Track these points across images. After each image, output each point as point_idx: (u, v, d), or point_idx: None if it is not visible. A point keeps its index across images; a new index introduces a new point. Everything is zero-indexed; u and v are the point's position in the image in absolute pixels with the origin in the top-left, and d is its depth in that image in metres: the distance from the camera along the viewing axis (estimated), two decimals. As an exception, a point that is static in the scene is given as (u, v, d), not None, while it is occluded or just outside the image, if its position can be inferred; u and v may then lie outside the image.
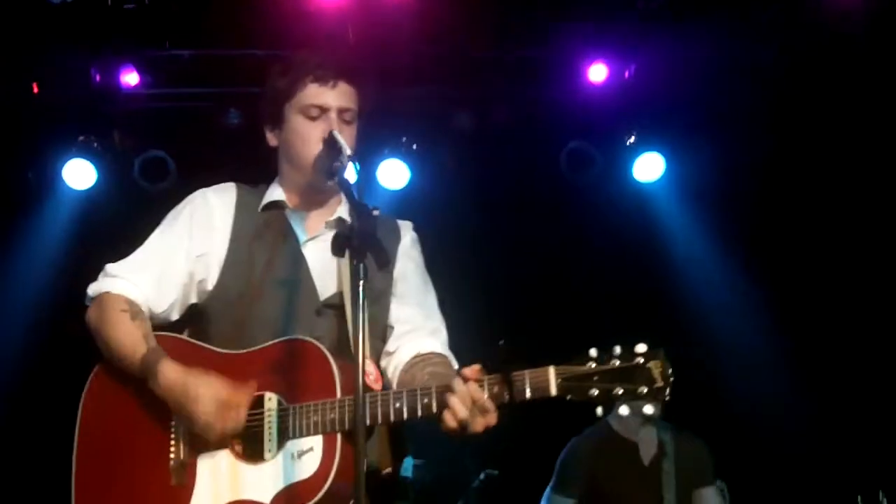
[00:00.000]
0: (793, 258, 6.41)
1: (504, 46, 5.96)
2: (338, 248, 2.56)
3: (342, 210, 3.07)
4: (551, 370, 2.60)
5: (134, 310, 2.92)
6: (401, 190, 6.28)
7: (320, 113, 3.02)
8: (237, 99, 6.04)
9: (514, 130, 6.24)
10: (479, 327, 6.39)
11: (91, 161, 6.05)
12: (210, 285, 3.01)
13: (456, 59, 5.95)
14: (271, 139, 3.15)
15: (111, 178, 6.16)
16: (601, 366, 2.58)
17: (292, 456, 2.70)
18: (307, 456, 2.69)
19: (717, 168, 6.27)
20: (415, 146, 6.20)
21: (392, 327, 3.06)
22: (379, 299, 3.01)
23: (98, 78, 5.90)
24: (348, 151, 2.84)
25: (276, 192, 3.13)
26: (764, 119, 6.14)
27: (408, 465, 5.37)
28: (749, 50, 5.83)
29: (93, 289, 3.00)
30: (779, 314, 6.33)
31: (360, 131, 3.12)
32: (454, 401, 2.61)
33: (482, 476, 5.60)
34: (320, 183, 2.97)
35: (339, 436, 2.68)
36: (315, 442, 2.69)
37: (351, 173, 2.80)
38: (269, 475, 2.71)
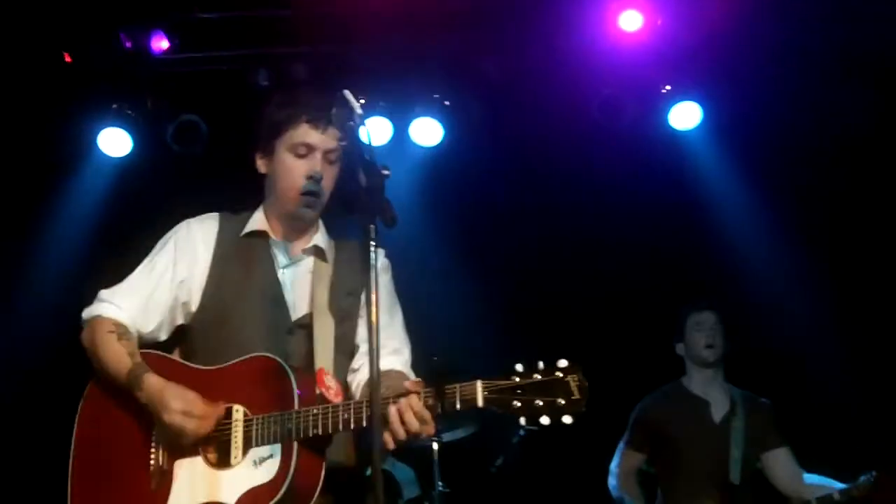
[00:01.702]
0: (834, 209, 6.32)
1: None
2: (349, 207, 2.72)
3: (318, 238, 3.37)
4: (479, 384, 2.81)
5: (121, 331, 3.21)
6: (435, 147, 6.26)
7: (307, 151, 3.26)
8: (267, 60, 6.04)
9: (546, 80, 6.17)
10: (516, 278, 6.50)
11: (125, 128, 6.08)
12: (193, 307, 3.30)
13: (484, 9, 5.89)
14: (261, 166, 3.38)
15: (146, 144, 6.19)
16: (524, 379, 2.78)
17: (255, 462, 2.99)
18: (267, 462, 2.97)
19: (756, 116, 6.17)
20: (447, 102, 6.17)
21: (358, 346, 3.31)
22: (349, 318, 3.29)
23: (129, 44, 5.90)
24: (359, 110, 2.89)
25: (258, 221, 3.38)
26: (805, 66, 6.01)
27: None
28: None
29: (86, 313, 3.31)
30: (821, 266, 6.25)
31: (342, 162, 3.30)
32: (393, 414, 2.85)
33: (521, 431, 5.61)
34: (298, 212, 3.27)
35: (295, 444, 2.94)
36: (275, 449, 2.97)
37: (364, 134, 2.86)
38: (236, 479, 2.99)
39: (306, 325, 3.23)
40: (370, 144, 2.80)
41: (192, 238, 3.34)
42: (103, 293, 3.30)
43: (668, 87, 6.12)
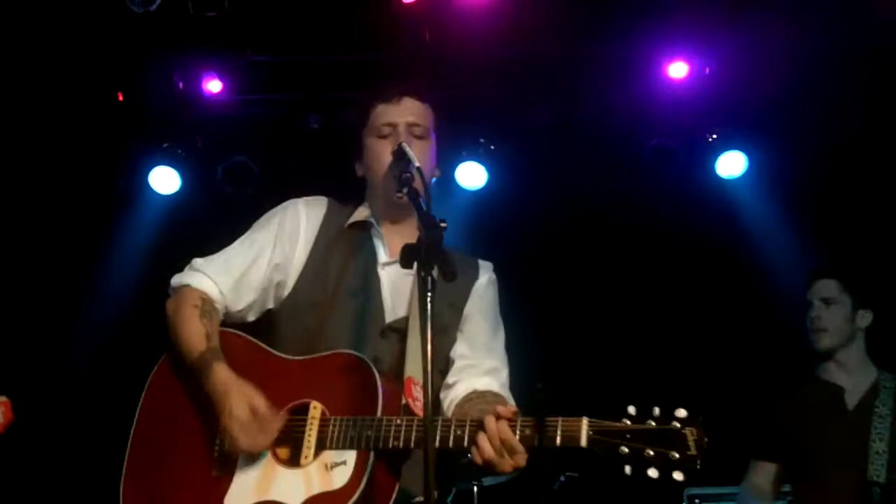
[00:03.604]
0: (879, 258, 6.25)
1: (582, 44, 5.93)
2: (406, 259, 2.61)
3: None
4: (584, 422, 2.58)
5: (206, 307, 3.03)
6: (479, 190, 6.30)
7: (390, 131, 3.12)
8: (317, 104, 6.12)
9: (594, 129, 6.20)
10: (556, 324, 6.48)
11: (175, 167, 6.18)
12: (286, 293, 3.12)
13: (534, 59, 5.93)
14: (358, 169, 3.25)
15: (195, 183, 6.29)
16: (636, 424, 2.54)
17: (326, 466, 2.76)
18: (339, 469, 2.74)
19: (801, 165, 6.15)
20: (492, 147, 6.21)
21: (453, 361, 3.13)
22: (446, 332, 3.10)
23: (181, 85, 6.01)
24: (416, 163, 2.88)
25: (363, 213, 3.21)
26: (848, 116, 6.00)
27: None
28: (833, 45, 5.70)
29: (176, 279, 3.13)
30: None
31: (439, 144, 3.20)
32: (482, 438, 2.65)
33: (562, 478, 5.56)
34: (393, 196, 3.00)
35: (371, 454, 2.73)
36: (349, 456, 2.75)
37: (419, 183, 2.83)
38: (301, 481, 2.77)
39: (400, 329, 3.04)
40: (429, 195, 2.76)
41: (297, 220, 3.17)
42: (197, 262, 3.12)
43: (714, 136, 6.12)
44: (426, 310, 2.50)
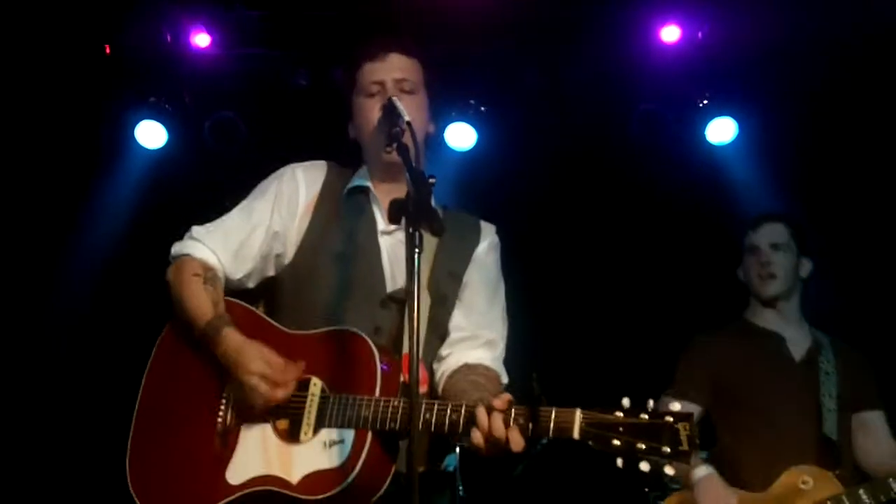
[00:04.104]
0: (871, 224, 6.25)
1: (575, 6, 5.88)
2: (394, 215, 2.58)
3: None
4: (578, 413, 2.57)
5: (208, 275, 3.02)
6: (468, 151, 6.26)
7: (379, 88, 3.08)
8: (306, 60, 6.05)
9: (584, 92, 6.17)
10: (545, 288, 6.48)
11: (162, 122, 6.12)
12: (286, 261, 3.11)
13: (527, 20, 5.88)
14: (350, 131, 3.22)
15: (182, 138, 6.23)
16: (629, 417, 2.52)
17: (324, 444, 2.78)
18: (337, 447, 2.76)
19: (791, 133, 6.13)
20: (483, 108, 6.17)
21: (450, 332, 3.12)
22: (444, 302, 3.09)
23: (169, 38, 5.94)
24: (406, 117, 2.84)
25: (361, 178, 3.18)
26: (841, 85, 5.98)
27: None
28: (827, 13, 5.67)
29: (176, 248, 3.11)
30: (849, 284, 6.18)
31: (431, 100, 3.16)
32: (475, 431, 2.64)
33: (543, 441, 5.57)
34: (382, 152, 2.97)
35: (370, 433, 2.74)
36: (347, 435, 2.76)
37: (408, 139, 2.79)
38: (302, 457, 2.79)
39: (400, 299, 2.99)
40: (420, 151, 2.73)
41: (295, 187, 3.15)
42: (196, 230, 3.11)
43: (705, 102, 6.10)
44: (413, 268, 2.47)
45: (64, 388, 6.15)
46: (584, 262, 6.49)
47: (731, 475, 4.20)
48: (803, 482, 4.10)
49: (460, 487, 5.41)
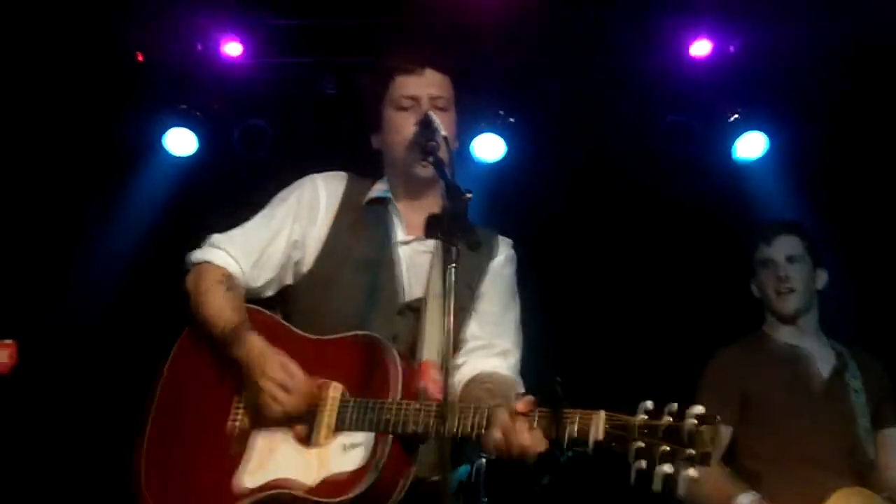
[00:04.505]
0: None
1: (605, 16, 5.87)
2: (430, 230, 2.62)
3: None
4: (602, 415, 2.55)
5: (230, 283, 3.06)
6: (496, 163, 6.24)
7: (412, 104, 3.11)
8: (334, 68, 6.07)
9: (614, 104, 6.15)
10: (571, 300, 6.45)
11: (191, 129, 6.16)
12: (305, 269, 3.14)
13: (554, 30, 5.87)
14: (375, 142, 3.25)
15: (211, 145, 6.27)
16: (652, 420, 2.48)
17: (343, 447, 2.78)
18: (355, 450, 2.75)
19: (822, 150, 6.08)
20: (511, 119, 6.16)
21: (465, 341, 3.13)
22: (460, 312, 3.05)
23: (200, 47, 5.98)
24: (443, 132, 2.86)
25: (381, 188, 3.20)
26: (874, 103, 5.92)
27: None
28: (861, 28, 5.62)
29: (195, 256, 3.15)
30: (880, 302, 6.11)
31: (458, 119, 3.18)
32: (497, 432, 2.63)
33: (569, 452, 5.55)
34: (416, 165, 3.01)
35: (389, 437, 2.73)
36: (366, 438, 2.76)
37: (444, 153, 2.81)
38: (318, 460, 2.79)
39: (417, 309, 3.04)
40: (453, 166, 2.75)
41: (316, 196, 3.17)
42: (216, 238, 3.14)
43: (735, 116, 6.05)
44: (449, 281, 2.49)
45: (87, 392, 6.17)
46: (609, 272, 6.46)
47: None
48: None
49: (485, 500, 5.39)
